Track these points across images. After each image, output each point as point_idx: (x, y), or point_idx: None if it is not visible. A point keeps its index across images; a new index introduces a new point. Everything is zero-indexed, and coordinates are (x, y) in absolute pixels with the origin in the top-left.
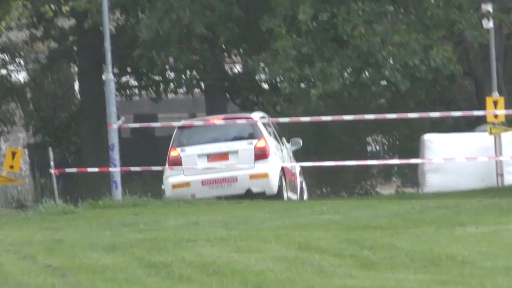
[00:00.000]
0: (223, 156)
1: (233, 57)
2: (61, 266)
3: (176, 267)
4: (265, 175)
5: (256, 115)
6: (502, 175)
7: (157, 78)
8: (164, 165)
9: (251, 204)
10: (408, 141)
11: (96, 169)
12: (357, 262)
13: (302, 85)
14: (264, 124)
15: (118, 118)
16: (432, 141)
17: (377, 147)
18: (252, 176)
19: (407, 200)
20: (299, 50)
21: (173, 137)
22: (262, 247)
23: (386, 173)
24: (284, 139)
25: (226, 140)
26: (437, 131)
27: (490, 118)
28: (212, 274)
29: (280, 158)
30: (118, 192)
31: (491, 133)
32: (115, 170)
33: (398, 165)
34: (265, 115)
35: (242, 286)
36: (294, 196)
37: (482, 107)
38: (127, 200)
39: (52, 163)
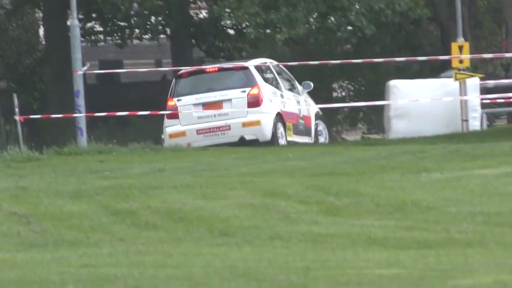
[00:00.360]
0: (218, 104)
1: (199, 3)
2: (26, 214)
3: (142, 214)
4: (257, 123)
5: (252, 63)
6: (466, 120)
7: (122, 23)
8: (130, 111)
9: (217, 150)
10: (373, 87)
11: (60, 115)
12: (322, 209)
13: (268, 30)
14: (261, 71)
15: (83, 64)
16: (398, 86)
17: (343, 93)
18: (245, 124)
19: (372, 146)
20: None
21: (171, 87)
22: (228, 194)
23: (352, 119)
24: (296, 83)
25: (221, 89)
26: (402, 77)
27: (455, 64)
28: (178, 221)
29: (278, 104)
30: (83, 139)
31: (456, 79)
32: (79, 115)
33: (364, 111)
34: (268, 61)
35: (208, 232)
36: (304, 140)
37: (448, 52)
38: (92, 147)
39: (17, 110)
